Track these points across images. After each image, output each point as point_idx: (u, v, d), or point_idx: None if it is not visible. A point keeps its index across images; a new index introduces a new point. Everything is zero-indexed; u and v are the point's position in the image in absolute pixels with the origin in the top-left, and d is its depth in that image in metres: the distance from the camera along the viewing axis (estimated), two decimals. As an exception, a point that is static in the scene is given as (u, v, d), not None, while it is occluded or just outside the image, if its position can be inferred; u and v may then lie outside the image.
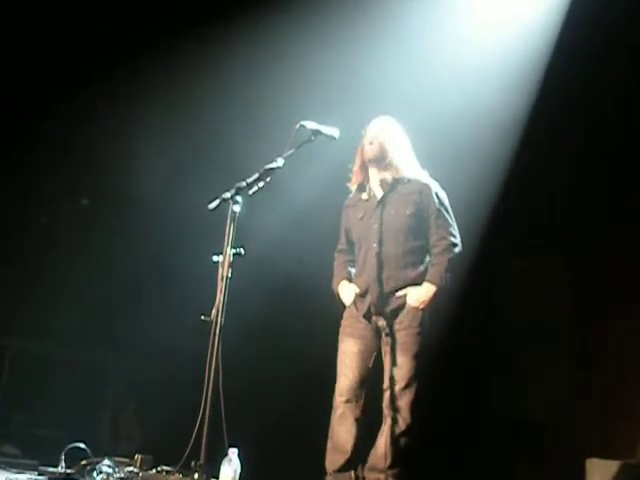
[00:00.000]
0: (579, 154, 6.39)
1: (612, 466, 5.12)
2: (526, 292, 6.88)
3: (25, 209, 7.14)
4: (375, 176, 4.78)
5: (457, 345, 6.53)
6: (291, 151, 4.35)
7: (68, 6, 6.71)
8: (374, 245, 4.66)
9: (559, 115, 6.35)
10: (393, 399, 4.48)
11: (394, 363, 4.51)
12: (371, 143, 4.71)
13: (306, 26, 6.41)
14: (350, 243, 4.90)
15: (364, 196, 4.81)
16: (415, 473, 4.56)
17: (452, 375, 6.54)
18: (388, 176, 4.72)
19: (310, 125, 4.43)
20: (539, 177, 6.54)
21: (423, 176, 4.75)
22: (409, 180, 4.70)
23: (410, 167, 4.74)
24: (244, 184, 4.20)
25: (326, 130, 4.52)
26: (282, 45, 6.53)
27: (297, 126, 4.38)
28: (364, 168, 4.81)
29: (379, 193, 4.75)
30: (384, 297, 4.60)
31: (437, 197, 4.69)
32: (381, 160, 4.71)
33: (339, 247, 4.97)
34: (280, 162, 4.31)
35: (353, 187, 4.87)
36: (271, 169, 4.27)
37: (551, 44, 6.28)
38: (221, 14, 6.48)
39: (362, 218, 4.77)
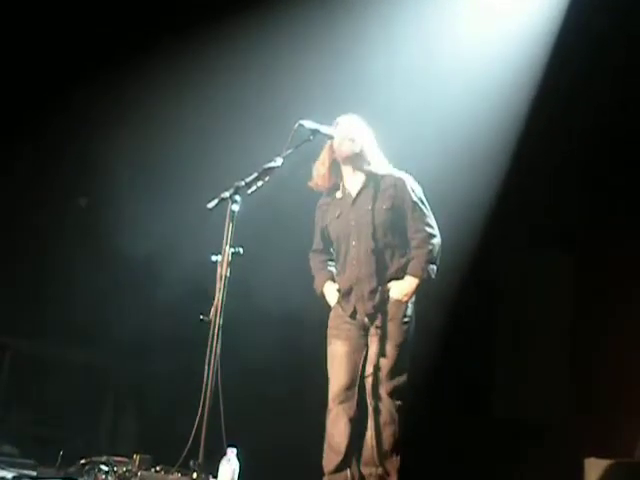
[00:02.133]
0: (581, 151, 6.39)
1: (610, 465, 5.12)
2: (526, 291, 6.89)
3: (23, 209, 7.13)
4: (349, 174, 4.76)
5: (456, 343, 6.54)
6: (290, 150, 4.35)
7: (68, 6, 6.72)
8: (354, 243, 4.65)
9: (560, 112, 6.36)
10: (375, 388, 4.51)
11: (376, 352, 4.52)
12: (345, 142, 4.67)
13: (302, 25, 6.42)
14: (326, 242, 4.88)
15: (338, 194, 4.79)
16: (409, 465, 4.57)
17: (451, 373, 6.54)
18: (362, 173, 4.72)
19: (309, 124, 4.43)
20: (540, 174, 6.55)
21: (395, 171, 4.75)
22: (383, 175, 4.70)
23: (381, 162, 4.74)
24: (243, 183, 4.20)
25: (325, 129, 4.53)
26: (278, 45, 6.54)
27: (296, 125, 4.37)
28: (334, 167, 4.78)
29: (354, 190, 4.73)
30: (368, 294, 4.59)
31: (412, 189, 4.68)
32: (356, 158, 4.69)
33: (314, 247, 4.95)
34: (279, 161, 4.31)
35: (323, 191, 4.84)
36: (270, 168, 4.28)
37: (550, 43, 6.30)
38: (213, 14, 6.50)
39: (339, 216, 4.75)
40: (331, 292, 4.78)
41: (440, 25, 6.34)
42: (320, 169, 4.79)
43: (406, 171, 4.77)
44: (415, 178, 4.77)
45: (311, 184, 4.84)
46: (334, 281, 4.79)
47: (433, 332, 6.13)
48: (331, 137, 4.60)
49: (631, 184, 6.16)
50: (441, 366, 6.39)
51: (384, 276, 4.61)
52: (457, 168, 6.27)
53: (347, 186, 4.77)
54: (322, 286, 4.82)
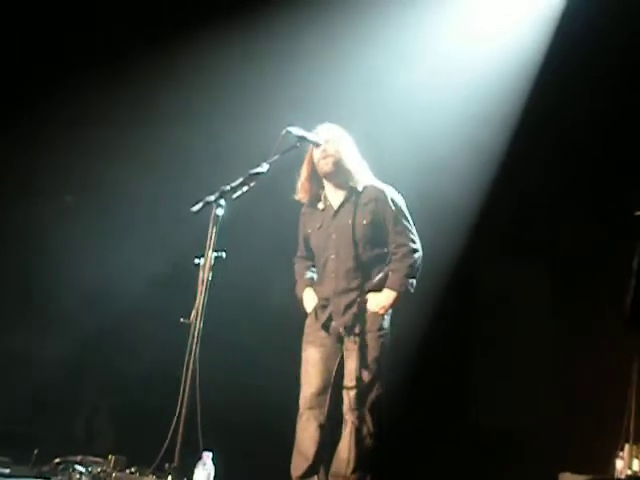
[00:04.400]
0: (563, 161, 6.43)
1: (585, 481, 5.14)
2: (505, 302, 6.90)
3: (11, 205, 7.08)
4: (330, 186, 4.77)
5: (433, 354, 6.55)
6: (276, 157, 4.34)
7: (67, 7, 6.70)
8: (332, 256, 4.67)
9: (544, 123, 6.39)
10: (353, 404, 4.49)
11: (353, 367, 4.51)
12: (325, 156, 4.67)
13: (291, 29, 6.42)
14: (309, 250, 4.90)
15: (320, 205, 4.81)
16: (380, 479, 4.57)
17: (427, 383, 6.55)
18: (343, 186, 4.72)
19: (296, 131, 4.43)
20: (523, 183, 6.59)
21: (377, 182, 4.75)
22: (364, 187, 4.70)
23: (364, 174, 4.74)
24: (228, 188, 4.20)
25: (311, 137, 4.54)
26: (264, 48, 6.55)
27: (283, 132, 4.37)
28: (315, 179, 4.79)
29: (335, 203, 4.74)
30: (344, 308, 4.61)
31: (393, 203, 4.68)
32: (337, 172, 4.69)
33: (298, 254, 4.97)
34: (265, 167, 4.31)
35: (304, 201, 4.84)
36: (256, 174, 4.28)
37: (543, 52, 6.33)
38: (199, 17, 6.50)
39: (320, 228, 4.78)
40: (309, 299, 4.79)
41: (428, 27, 6.37)
42: (301, 180, 4.80)
43: (387, 181, 4.77)
44: (396, 188, 4.78)
45: (295, 197, 4.85)
46: (314, 290, 4.80)
47: (411, 341, 6.17)
48: (317, 144, 4.60)
49: (609, 196, 6.19)
50: (417, 375, 6.41)
51: (362, 291, 4.62)
52: (438, 179, 6.30)
53: (329, 197, 4.78)
54: (302, 292, 4.84)
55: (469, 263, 6.68)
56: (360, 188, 4.69)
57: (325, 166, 4.68)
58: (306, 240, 4.90)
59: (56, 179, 6.91)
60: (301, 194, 4.82)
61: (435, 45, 6.36)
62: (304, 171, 4.79)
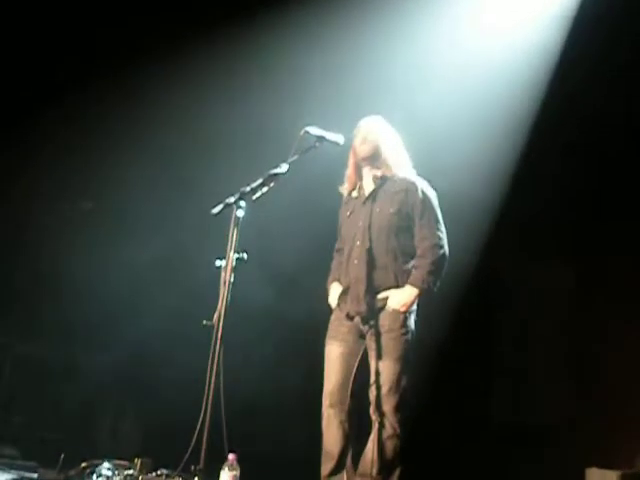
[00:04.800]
0: (584, 162, 6.40)
1: (611, 476, 5.13)
2: (529, 299, 6.88)
3: (26, 210, 7.13)
4: (367, 174, 4.77)
5: (457, 352, 6.53)
6: (295, 157, 4.34)
7: (67, 7, 6.72)
8: (358, 243, 4.64)
9: (564, 121, 6.37)
10: (378, 404, 4.45)
11: (377, 367, 4.47)
12: (363, 142, 4.70)
13: (306, 29, 6.42)
14: (342, 239, 4.89)
15: (354, 194, 4.82)
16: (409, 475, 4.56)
17: (452, 381, 6.54)
18: (379, 173, 4.71)
19: (314, 131, 4.43)
20: (543, 184, 6.55)
21: (412, 175, 4.74)
22: (398, 178, 4.69)
23: (402, 165, 4.73)
24: (248, 189, 4.19)
25: (330, 136, 4.51)
26: (281, 47, 6.54)
27: (302, 132, 4.37)
28: (357, 168, 4.80)
29: (368, 190, 4.74)
30: (363, 294, 4.56)
31: (423, 195, 4.66)
32: (374, 159, 4.70)
33: (337, 246, 4.95)
34: (284, 168, 4.30)
35: (345, 192, 4.85)
36: (275, 175, 4.27)
37: (557, 50, 6.30)
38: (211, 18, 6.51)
39: (350, 215, 4.78)
40: (334, 293, 4.77)
41: (445, 28, 6.35)
42: (347, 171, 4.82)
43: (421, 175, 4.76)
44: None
45: (341, 189, 4.86)
46: (340, 282, 4.77)
47: (432, 337, 6.15)
48: (337, 144, 4.58)
49: (629, 196, 6.17)
50: (440, 373, 6.39)
51: (384, 281, 4.57)
52: (456, 178, 6.27)
53: (364, 185, 4.78)
54: (330, 285, 4.83)
55: (490, 261, 6.66)
56: (394, 177, 4.68)
57: (363, 151, 4.70)
58: (339, 230, 4.90)
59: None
60: (346, 185, 4.84)
61: (453, 39, 6.33)
62: (350, 162, 4.81)
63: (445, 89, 6.30)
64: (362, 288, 4.57)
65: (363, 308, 4.56)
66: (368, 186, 4.76)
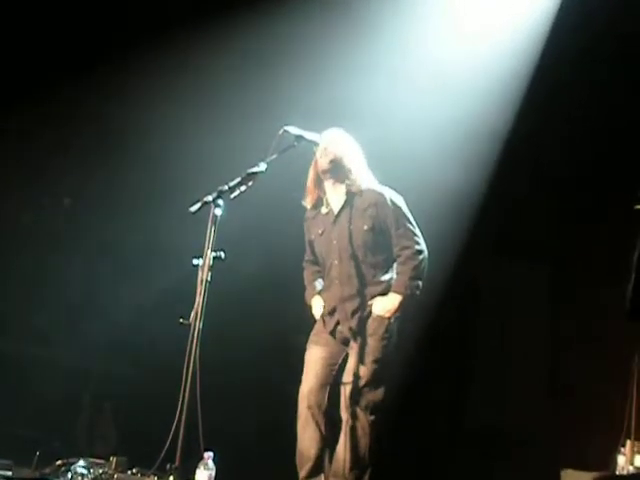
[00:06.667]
0: (563, 163, 6.44)
1: (586, 478, 5.14)
2: (504, 305, 6.91)
3: (7, 208, 7.09)
4: (330, 189, 4.73)
5: (433, 356, 6.55)
6: (274, 156, 4.34)
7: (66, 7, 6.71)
8: (335, 262, 4.67)
9: (542, 124, 6.40)
10: (349, 401, 4.49)
11: (355, 366, 4.51)
12: (324, 155, 4.64)
13: (294, 29, 6.42)
14: (315, 255, 4.89)
15: (323, 210, 4.78)
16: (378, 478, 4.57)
17: (425, 385, 6.55)
18: (343, 188, 4.69)
19: (293, 130, 4.43)
20: (514, 188, 6.59)
21: (376, 184, 4.73)
22: (364, 191, 4.67)
23: (363, 176, 4.71)
24: (226, 187, 4.19)
25: (309, 135, 4.53)
26: (265, 47, 6.55)
27: (280, 131, 4.38)
28: (318, 182, 4.76)
29: (336, 207, 4.72)
30: (350, 314, 4.61)
31: (393, 205, 4.65)
32: (335, 171, 4.66)
33: (306, 258, 4.96)
34: (262, 167, 4.31)
35: (308, 205, 4.83)
36: (253, 173, 4.27)
37: (537, 52, 6.32)
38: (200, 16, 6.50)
39: (322, 234, 4.76)
40: (317, 306, 4.80)
41: (425, 34, 6.36)
42: (307, 184, 4.80)
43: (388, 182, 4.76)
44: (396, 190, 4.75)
45: (303, 202, 4.84)
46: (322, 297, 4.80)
47: (409, 343, 6.15)
48: (316, 143, 4.59)
49: (609, 189, 6.20)
50: (417, 377, 6.40)
51: (367, 296, 4.61)
52: (438, 179, 6.29)
53: (330, 202, 4.76)
54: (310, 300, 4.86)
55: (466, 264, 6.67)
56: (359, 191, 4.66)
57: (323, 163, 4.65)
58: (311, 245, 4.89)
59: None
60: (307, 198, 4.81)
61: (436, 39, 6.35)
62: (310, 175, 4.78)
63: (425, 88, 6.31)
64: (349, 308, 4.61)
65: (354, 323, 4.61)
66: (335, 202, 4.73)
